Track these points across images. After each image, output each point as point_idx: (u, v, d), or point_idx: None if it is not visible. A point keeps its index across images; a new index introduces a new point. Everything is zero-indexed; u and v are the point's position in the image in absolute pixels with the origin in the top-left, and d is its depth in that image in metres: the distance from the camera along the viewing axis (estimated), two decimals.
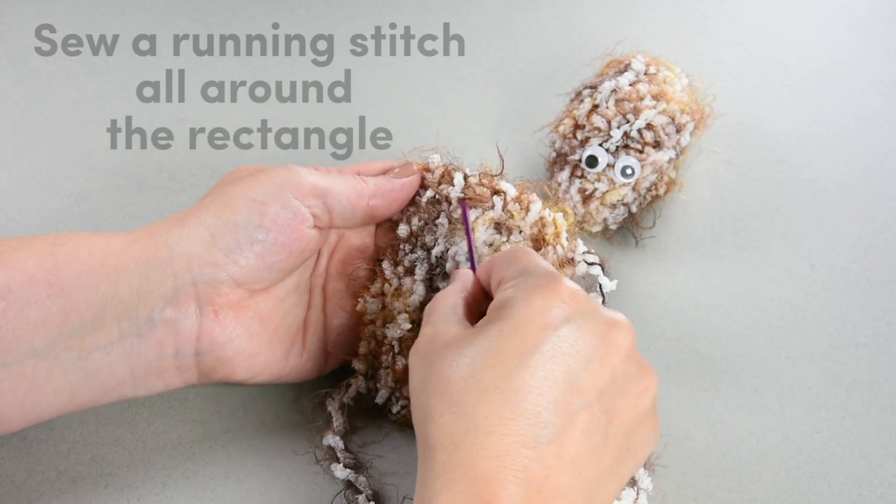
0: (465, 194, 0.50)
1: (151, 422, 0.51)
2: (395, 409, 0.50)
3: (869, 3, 0.77)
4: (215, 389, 0.52)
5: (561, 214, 0.51)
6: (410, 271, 0.50)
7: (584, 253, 0.52)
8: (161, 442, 0.51)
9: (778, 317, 0.57)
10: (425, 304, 0.48)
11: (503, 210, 0.50)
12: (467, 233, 0.49)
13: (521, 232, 0.50)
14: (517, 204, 0.50)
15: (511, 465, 0.37)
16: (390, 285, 0.50)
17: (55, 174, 0.63)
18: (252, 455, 0.50)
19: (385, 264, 0.50)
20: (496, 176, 0.51)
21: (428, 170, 0.51)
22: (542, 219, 0.50)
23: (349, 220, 0.49)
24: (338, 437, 0.49)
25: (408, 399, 0.49)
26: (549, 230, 0.50)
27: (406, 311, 0.49)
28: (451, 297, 0.45)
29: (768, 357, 0.55)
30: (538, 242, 0.50)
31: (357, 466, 0.48)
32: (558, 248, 0.51)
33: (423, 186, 0.51)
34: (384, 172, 0.51)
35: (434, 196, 0.50)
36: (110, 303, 0.43)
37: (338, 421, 0.49)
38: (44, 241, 0.44)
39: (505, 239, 0.50)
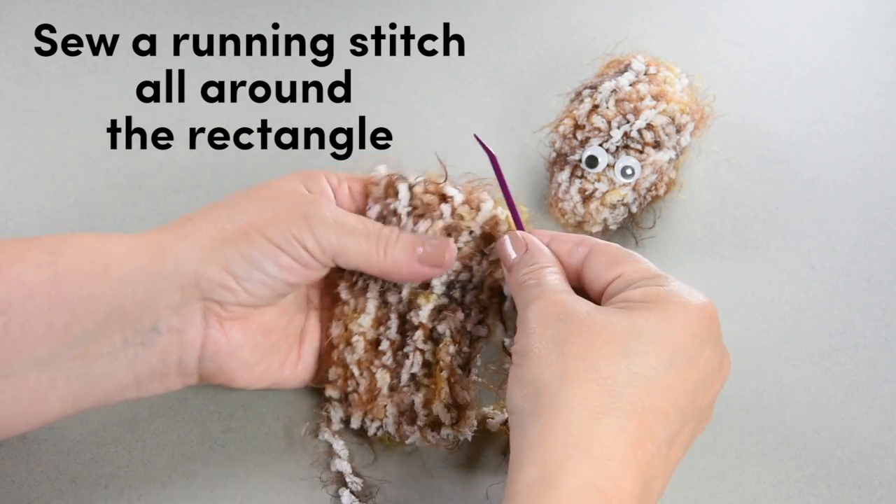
0: (412, 206, 0.48)
1: (151, 422, 0.51)
2: (370, 432, 0.49)
3: (869, 3, 0.77)
4: (215, 389, 0.52)
5: (524, 209, 0.50)
6: (364, 290, 0.49)
7: None
8: (161, 442, 0.51)
9: (778, 317, 0.57)
10: (381, 322, 0.48)
11: (452, 216, 0.49)
12: (504, 190, 0.48)
13: (471, 232, 0.49)
14: (466, 205, 0.49)
15: (639, 456, 0.38)
16: (348, 306, 0.49)
17: (55, 174, 0.63)
18: (252, 455, 0.50)
19: (341, 287, 0.50)
20: (441, 183, 0.49)
21: (373, 183, 0.50)
22: (494, 217, 0.50)
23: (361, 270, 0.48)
24: (345, 462, 0.49)
25: (381, 420, 0.49)
26: (502, 227, 0.49)
27: (360, 333, 0.49)
28: (553, 271, 0.45)
29: (768, 357, 0.55)
30: (489, 239, 0.49)
31: (365, 495, 0.48)
32: None
33: (373, 200, 0.50)
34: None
35: (381, 211, 0.49)
36: (113, 313, 0.43)
37: (338, 445, 0.49)
38: (43, 250, 0.43)
39: (454, 240, 0.48)
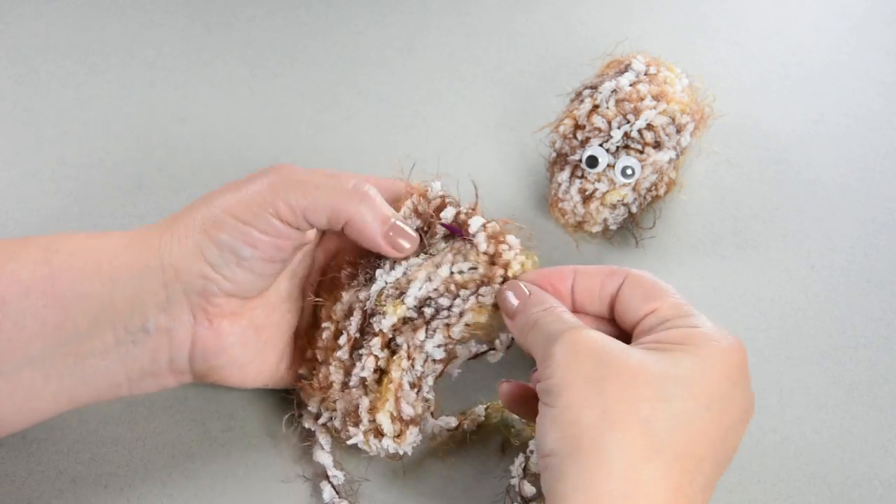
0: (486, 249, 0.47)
1: (151, 421, 0.51)
2: (321, 420, 0.49)
3: (869, 3, 0.77)
4: (215, 389, 0.52)
5: (530, 262, 0.48)
6: (352, 278, 0.48)
7: None
8: (161, 441, 0.50)
9: (778, 317, 0.57)
10: (347, 314, 0.47)
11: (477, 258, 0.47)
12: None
13: (473, 268, 0.47)
14: (493, 242, 0.47)
15: (680, 503, 0.38)
16: (338, 291, 0.48)
17: (55, 174, 0.63)
18: (252, 455, 0.50)
19: (343, 273, 0.49)
20: (502, 237, 0.47)
21: (423, 195, 0.48)
22: (506, 262, 0.47)
23: (333, 228, 0.47)
24: (327, 454, 0.49)
25: (332, 413, 0.48)
26: (510, 271, 0.47)
27: (333, 321, 0.48)
28: (563, 310, 0.44)
29: (768, 357, 0.55)
30: (488, 282, 0.47)
31: (347, 492, 0.48)
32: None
33: (412, 210, 0.48)
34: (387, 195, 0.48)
35: (421, 226, 0.48)
36: (105, 311, 0.43)
37: (319, 433, 0.49)
38: (38, 247, 0.43)
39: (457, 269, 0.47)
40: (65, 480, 0.49)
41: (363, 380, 0.47)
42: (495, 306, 0.46)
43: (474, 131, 0.67)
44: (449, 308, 0.46)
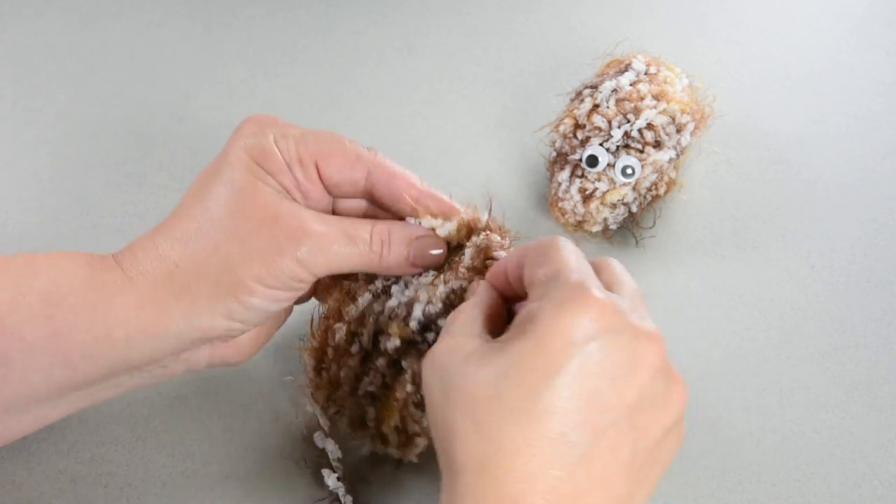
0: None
1: (151, 420, 0.51)
2: (330, 410, 0.48)
3: (869, 3, 0.77)
4: (215, 389, 0.52)
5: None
6: (369, 278, 0.48)
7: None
8: (161, 441, 0.50)
9: (778, 317, 0.57)
10: (361, 322, 0.47)
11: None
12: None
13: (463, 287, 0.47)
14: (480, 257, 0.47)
15: (540, 488, 0.36)
16: (349, 283, 0.48)
17: (55, 174, 0.63)
18: (252, 455, 0.50)
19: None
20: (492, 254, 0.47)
21: (445, 216, 0.47)
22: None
23: None
24: (329, 439, 0.48)
25: (340, 408, 0.48)
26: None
27: (345, 322, 0.47)
28: (471, 309, 0.43)
29: (768, 357, 0.55)
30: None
31: (349, 481, 0.48)
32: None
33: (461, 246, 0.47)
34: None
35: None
36: (119, 364, 0.43)
37: (318, 414, 0.48)
38: (37, 297, 0.42)
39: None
40: (64, 480, 0.49)
41: (370, 393, 0.47)
42: None
43: (474, 131, 0.67)
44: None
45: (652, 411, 0.39)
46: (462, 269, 0.46)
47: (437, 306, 0.46)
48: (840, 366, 0.55)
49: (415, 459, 0.47)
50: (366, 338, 0.47)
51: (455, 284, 0.46)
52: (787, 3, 0.77)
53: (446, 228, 0.46)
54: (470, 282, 0.46)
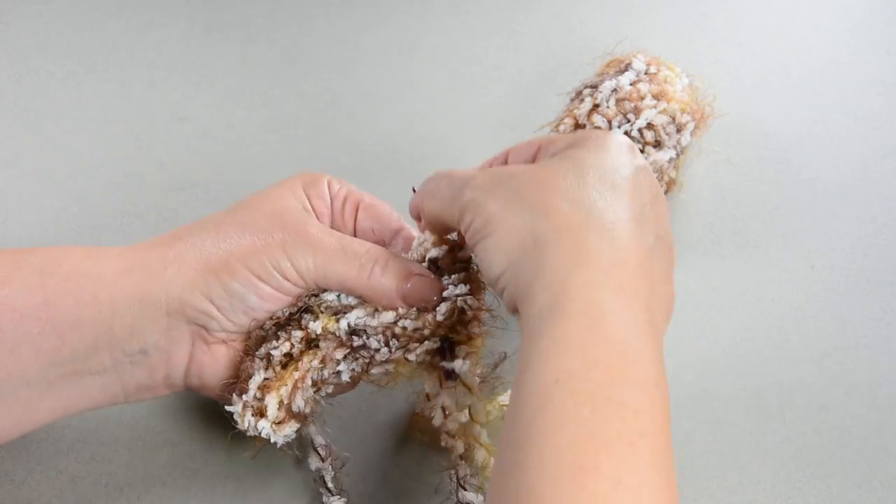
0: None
1: (151, 420, 0.51)
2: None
3: (869, 3, 0.77)
4: None
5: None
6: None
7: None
8: (161, 441, 0.50)
9: (778, 317, 0.57)
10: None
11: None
12: None
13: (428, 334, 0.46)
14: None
15: (631, 248, 0.40)
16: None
17: (55, 174, 0.63)
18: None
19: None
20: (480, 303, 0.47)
21: (443, 238, 0.47)
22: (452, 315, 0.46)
23: None
24: (313, 425, 0.48)
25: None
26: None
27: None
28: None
29: (768, 357, 0.55)
30: (440, 331, 0.46)
31: (334, 467, 0.48)
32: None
33: (421, 245, 0.48)
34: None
35: (422, 255, 0.47)
36: (102, 336, 0.43)
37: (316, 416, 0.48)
38: (32, 270, 0.43)
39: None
40: (64, 480, 0.49)
41: (269, 356, 0.46)
42: (420, 364, 0.46)
43: (474, 131, 0.67)
44: (376, 350, 0.46)
45: (664, 230, 0.44)
46: (429, 318, 0.45)
47: (375, 325, 0.45)
48: (840, 366, 0.55)
49: (280, 442, 0.46)
50: (287, 311, 0.47)
51: (409, 324, 0.45)
52: (787, 3, 0.77)
53: (436, 252, 0.47)
54: (431, 334, 0.46)
